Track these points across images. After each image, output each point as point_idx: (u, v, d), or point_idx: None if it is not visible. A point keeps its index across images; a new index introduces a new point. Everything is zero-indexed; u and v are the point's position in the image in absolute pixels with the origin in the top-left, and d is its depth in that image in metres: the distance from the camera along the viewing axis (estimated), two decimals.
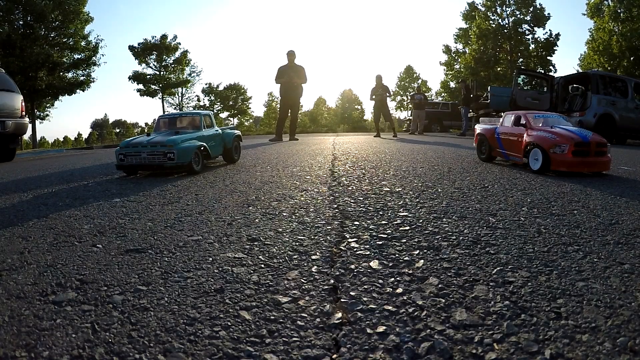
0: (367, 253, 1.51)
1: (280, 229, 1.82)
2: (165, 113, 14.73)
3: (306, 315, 1.06)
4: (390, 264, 1.40)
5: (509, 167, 3.94)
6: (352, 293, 1.18)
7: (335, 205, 2.26)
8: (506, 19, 25.20)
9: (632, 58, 21.64)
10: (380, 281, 1.26)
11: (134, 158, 3.55)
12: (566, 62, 65.44)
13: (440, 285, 1.23)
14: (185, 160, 3.53)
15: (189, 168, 3.59)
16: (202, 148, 3.78)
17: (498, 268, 1.35)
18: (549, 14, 24.36)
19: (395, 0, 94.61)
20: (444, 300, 1.13)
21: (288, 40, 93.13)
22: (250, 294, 1.19)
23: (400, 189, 2.71)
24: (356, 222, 1.91)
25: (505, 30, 25.02)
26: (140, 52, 27.38)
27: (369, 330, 0.99)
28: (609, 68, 21.87)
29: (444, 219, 1.95)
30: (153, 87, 27.95)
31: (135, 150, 3.54)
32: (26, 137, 18.59)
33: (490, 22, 25.25)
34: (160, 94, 28.30)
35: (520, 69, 15.35)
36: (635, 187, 2.85)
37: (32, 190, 3.09)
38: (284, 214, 2.09)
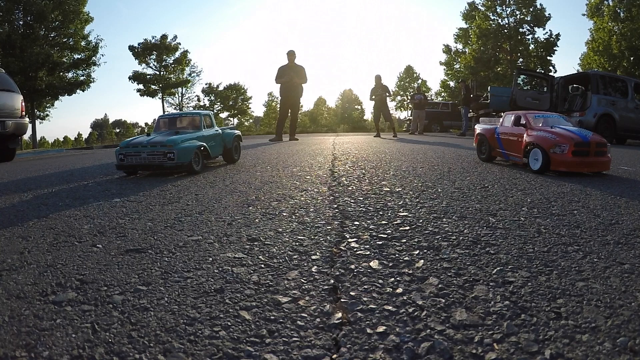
0: (367, 253, 1.51)
1: (280, 229, 1.82)
2: (165, 113, 14.74)
3: (306, 315, 1.06)
4: (390, 264, 1.40)
5: (509, 167, 3.94)
6: (352, 293, 1.18)
7: (335, 205, 2.26)
8: (506, 19, 25.21)
9: (632, 58, 21.64)
10: (380, 281, 1.26)
11: (134, 158, 3.55)
12: (566, 62, 65.58)
13: (440, 285, 1.23)
14: (185, 160, 3.53)
15: (189, 168, 3.59)
16: (202, 148, 3.78)
17: (498, 268, 1.35)
18: (549, 14, 24.39)
19: (396, 0, 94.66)
20: (444, 300, 1.13)
21: (288, 40, 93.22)
22: (250, 294, 1.19)
23: (400, 189, 2.71)
24: (356, 222, 1.91)
25: (505, 30, 25.01)
26: (140, 52, 27.38)
27: (369, 330, 0.99)
28: (609, 68, 21.86)
29: (444, 219, 1.95)
30: (153, 87, 27.94)
31: (135, 150, 3.54)
32: (26, 137, 18.59)
33: (490, 22, 25.25)
34: (160, 94, 28.29)
35: (520, 69, 15.33)
36: (635, 187, 2.85)
37: (32, 190, 3.09)
38: (284, 214, 2.09)
